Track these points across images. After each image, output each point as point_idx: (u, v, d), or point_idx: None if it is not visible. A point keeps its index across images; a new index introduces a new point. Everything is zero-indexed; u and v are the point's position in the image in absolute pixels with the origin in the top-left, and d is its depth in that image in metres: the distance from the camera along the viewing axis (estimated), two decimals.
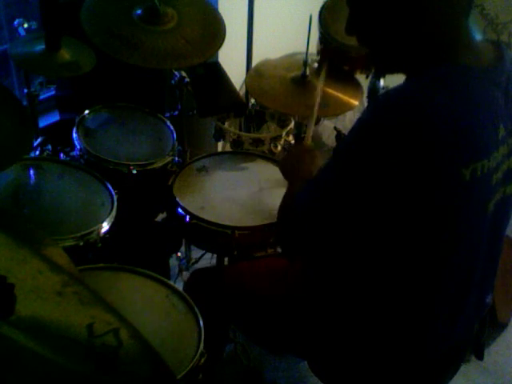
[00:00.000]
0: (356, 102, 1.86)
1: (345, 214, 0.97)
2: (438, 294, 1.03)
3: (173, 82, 1.87)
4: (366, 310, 1.10)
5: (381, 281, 1.04)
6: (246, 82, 1.95)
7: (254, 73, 1.96)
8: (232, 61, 2.18)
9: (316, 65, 1.96)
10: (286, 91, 1.85)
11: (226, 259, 1.74)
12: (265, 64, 2.00)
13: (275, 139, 1.97)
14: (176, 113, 1.94)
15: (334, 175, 0.98)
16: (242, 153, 1.90)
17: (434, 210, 0.91)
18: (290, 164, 1.39)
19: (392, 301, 1.06)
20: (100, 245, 1.44)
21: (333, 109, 1.85)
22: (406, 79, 1.00)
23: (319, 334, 1.23)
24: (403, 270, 1.01)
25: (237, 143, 1.95)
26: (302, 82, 1.86)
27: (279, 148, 1.98)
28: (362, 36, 1.04)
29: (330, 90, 1.85)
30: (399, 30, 0.96)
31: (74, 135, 1.74)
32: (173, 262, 2.05)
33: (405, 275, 1.01)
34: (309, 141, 1.46)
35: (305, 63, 1.84)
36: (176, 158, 1.82)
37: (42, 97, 1.91)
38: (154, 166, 1.74)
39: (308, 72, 1.85)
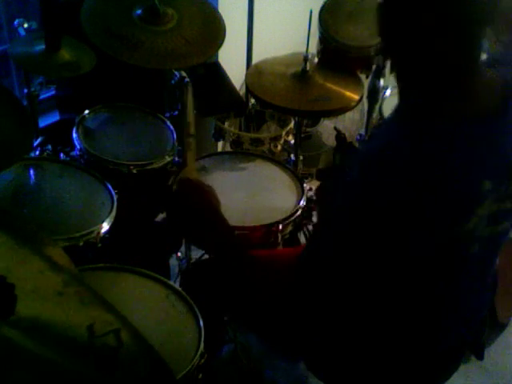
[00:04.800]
0: (357, 97, 1.86)
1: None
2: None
3: (173, 82, 1.86)
4: (365, 314, 1.10)
5: (379, 290, 1.05)
6: (246, 78, 1.95)
7: (254, 69, 1.96)
8: (232, 61, 2.18)
9: (316, 60, 1.96)
10: (286, 87, 1.86)
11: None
12: (265, 61, 2.01)
13: (275, 139, 1.97)
14: (176, 113, 1.94)
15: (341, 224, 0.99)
16: (242, 153, 1.90)
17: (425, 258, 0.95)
18: (188, 220, 1.17)
19: (389, 309, 1.07)
20: (100, 245, 1.43)
21: (334, 103, 1.85)
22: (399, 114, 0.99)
23: (319, 331, 1.23)
24: (397, 287, 1.04)
25: (237, 143, 1.96)
26: (302, 78, 1.86)
27: (279, 148, 1.98)
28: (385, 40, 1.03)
29: (331, 85, 1.86)
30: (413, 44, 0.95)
31: (74, 135, 1.74)
32: (173, 262, 2.05)
33: (399, 290, 1.04)
34: (193, 171, 1.32)
35: (305, 58, 1.84)
36: (176, 158, 1.82)
37: (41, 97, 1.90)
38: (154, 166, 1.73)
39: (308, 67, 1.85)
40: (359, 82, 1.94)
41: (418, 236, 0.92)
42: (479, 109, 0.94)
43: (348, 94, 1.86)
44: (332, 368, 1.26)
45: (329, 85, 1.85)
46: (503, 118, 0.96)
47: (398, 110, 0.98)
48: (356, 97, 1.86)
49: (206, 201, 1.19)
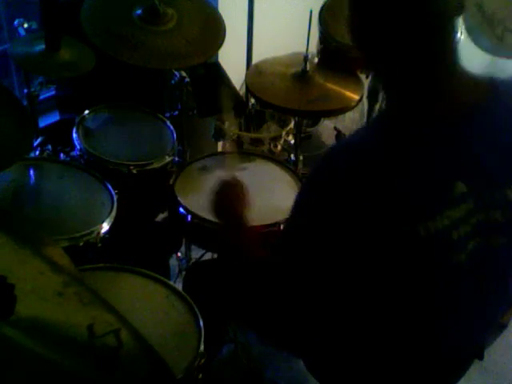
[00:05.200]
0: (357, 97, 1.86)
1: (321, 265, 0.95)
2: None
3: (173, 82, 1.87)
4: (361, 323, 1.10)
5: (368, 300, 1.03)
6: (246, 78, 1.95)
7: (254, 69, 1.97)
8: (232, 61, 2.18)
9: (316, 60, 1.97)
10: (286, 87, 1.86)
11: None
12: (265, 61, 2.01)
13: (275, 139, 1.97)
14: (176, 113, 1.94)
15: (299, 229, 0.98)
16: (242, 153, 1.90)
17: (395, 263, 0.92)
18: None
19: (383, 316, 1.06)
20: (100, 245, 1.44)
21: (334, 103, 1.85)
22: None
23: (318, 331, 1.23)
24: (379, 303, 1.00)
25: (237, 143, 1.96)
26: (302, 78, 1.86)
27: (279, 148, 1.98)
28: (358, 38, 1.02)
29: (331, 85, 1.86)
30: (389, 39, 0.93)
31: (74, 135, 1.74)
32: (173, 262, 2.05)
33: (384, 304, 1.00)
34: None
35: (305, 58, 1.84)
36: (176, 158, 1.82)
37: (41, 97, 1.91)
38: (154, 166, 1.73)
39: (308, 67, 1.85)
40: (359, 82, 1.94)
41: (385, 234, 0.89)
42: (452, 108, 0.92)
43: (348, 93, 1.86)
44: (330, 370, 1.26)
45: (329, 85, 1.85)
46: (483, 116, 0.93)
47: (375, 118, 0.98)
48: (356, 97, 1.86)
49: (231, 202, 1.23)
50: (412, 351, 1.09)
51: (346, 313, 1.03)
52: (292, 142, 2.04)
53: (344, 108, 1.89)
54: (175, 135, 1.86)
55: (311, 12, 1.75)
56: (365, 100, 2.18)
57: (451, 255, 0.95)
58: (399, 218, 0.88)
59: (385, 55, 0.94)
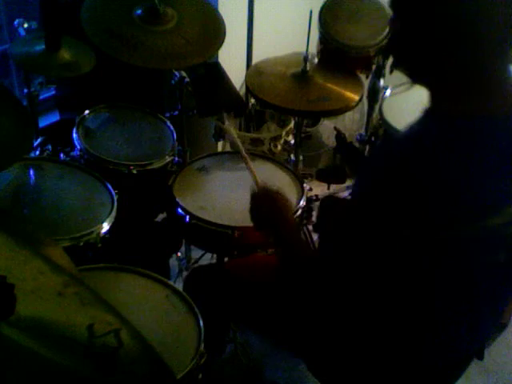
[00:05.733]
0: (357, 97, 1.86)
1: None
2: (436, 310, 1.04)
3: (173, 82, 1.87)
4: (367, 317, 1.10)
5: (384, 292, 1.04)
6: (246, 78, 1.95)
7: (254, 69, 1.97)
8: (232, 61, 2.18)
9: (316, 60, 1.97)
10: (286, 87, 1.86)
11: (226, 259, 1.74)
12: (265, 61, 2.01)
13: (275, 139, 1.97)
14: (176, 113, 1.94)
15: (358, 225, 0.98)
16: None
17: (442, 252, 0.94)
18: (260, 216, 1.27)
19: (393, 311, 1.06)
20: (100, 245, 1.44)
21: (334, 103, 1.85)
22: (427, 114, 0.97)
23: (320, 334, 1.23)
24: (405, 288, 1.02)
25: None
26: (302, 78, 1.86)
27: (279, 148, 1.98)
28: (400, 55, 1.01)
29: (331, 85, 1.86)
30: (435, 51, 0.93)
31: (74, 135, 1.74)
32: (173, 262, 2.05)
33: (406, 291, 1.02)
34: (258, 182, 1.40)
35: (305, 58, 1.84)
36: (176, 158, 1.82)
37: (41, 97, 1.91)
38: (154, 166, 1.73)
39: (308, 67, 1.85)
40: (359, 83, 1.94)
41: (447, 227, 0.90)
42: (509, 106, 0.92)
43: (348, 94, 1.86)
44: (332, 371, 1.26)
45: (329, 85, 1.85)
46: None
47: (426, 114, 0.96)
48: (356, 97, 1.86)
49: (270, 208, 1.24)
50: (420, 353, 1.09)
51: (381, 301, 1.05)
52: (292, 141, 2.04)
53: (344, 108, 1.89)
54: (175, 135, 1.86)
55: (311, 12, 1.75)
56: (365, 100, 2.18)
57: (496, 252, 0.97)
58: (466, 214, 0.89)
59: (437, 61, 0.93)
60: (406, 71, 0.99)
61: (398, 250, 0.94)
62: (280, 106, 1.84)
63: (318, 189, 2.33)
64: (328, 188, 2.28)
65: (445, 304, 1.02)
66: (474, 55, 0.90)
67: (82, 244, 1.39)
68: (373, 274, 1.00)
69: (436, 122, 0.93)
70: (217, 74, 1.88)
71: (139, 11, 1.69)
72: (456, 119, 0.91)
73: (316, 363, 1.30)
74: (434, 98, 0.96)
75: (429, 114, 0.96)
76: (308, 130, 2.57)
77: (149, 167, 1.72)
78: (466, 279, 1.00)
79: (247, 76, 1.96)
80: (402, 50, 0.98)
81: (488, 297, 1.05)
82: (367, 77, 2.08)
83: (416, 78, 0.99)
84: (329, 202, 1.80)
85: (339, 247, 1.02)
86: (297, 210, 1.62)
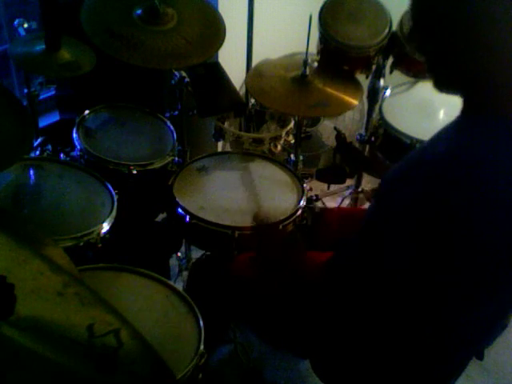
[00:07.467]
0: (356, 102, 1.86)
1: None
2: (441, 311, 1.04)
3: (173, 82, 1.87)
4: (376, 322, 1.10)
5: (391, 295, 1.04)
6: (246, 81, 1.95)
7: (254, 72, 1.96)
8: (232, 61, 2.18)
9: (316, 64, 1.97)
10: (286, 91, 1.86)
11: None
12: (265, 64, 2.00)
13: (275, 139, 1.97)
14: (176, 113, 1.95)
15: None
16: (241, 153, 1.90)
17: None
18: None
19: (400, 314, 1.06)
20: (100, 245, 1.44)
21: (333, 108, 1.85)
22: (462, 118, 0.95)
23: (325, 333, 1.23)
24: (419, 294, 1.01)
25: (237, 143, 1.96)
26: (301, 82, 1.86)
27: (279, 148, 1.98)
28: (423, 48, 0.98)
29: (330, 90, 1.85)
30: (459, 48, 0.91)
31: (74, 135, 1.74)
32: (173, 262, 2.05)
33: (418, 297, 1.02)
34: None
35: (305, 63, 1.84)
36: (176, 158, 1.82)
37: (41, 97, 1.91)
38: (154, 166, 1.74)
39: (308, 71, 1.85)
40: (358, 87, 1.94)
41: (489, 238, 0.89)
42: None
43: (347, 99, 1.85)
44: (338, 372, 1.26)
45: (328, 89, 1.85)
46: None
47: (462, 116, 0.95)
48: (355, 102, 1.85)
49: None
50: (429, 356, 1.09)
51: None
52: (292, 141, 2.04)
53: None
54: (175, 135, 1.87)
55: (311, 16, 1.75)
56: (365, 100, 2.18)
57: None
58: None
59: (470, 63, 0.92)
60: (449, 89, 0.97)
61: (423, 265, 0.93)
62: (279, 110, 1.84)
63: (318, 189, 2.33)
64: (328, 188, 2.28)
65: (455, 311, 1.02)
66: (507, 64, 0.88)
67: (82, 244, 1.39)
68: (387, 283, 1.00)
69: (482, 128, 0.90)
70: (217, 73, 1.88)
71: (139, 11, 1.69)
72: (497, 123, 0.89)
73: (323, 365, 1.30)
74: (470, 103, 0.95)
75: (469, 124, 0.93)
76: (308, 129, 2.57)
77: (149, 167, 1.73)
78: (481, 290, 0.99)
79: (247, 79, 1.96)
80: (443, 70, 0.96)
81: (504, 301, 1.06)
82: (367, 77, 2.08)
83: (455, 90, 0.97)
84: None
85: (356, 256, 1.02)
86: (297, 210, 1.62)
